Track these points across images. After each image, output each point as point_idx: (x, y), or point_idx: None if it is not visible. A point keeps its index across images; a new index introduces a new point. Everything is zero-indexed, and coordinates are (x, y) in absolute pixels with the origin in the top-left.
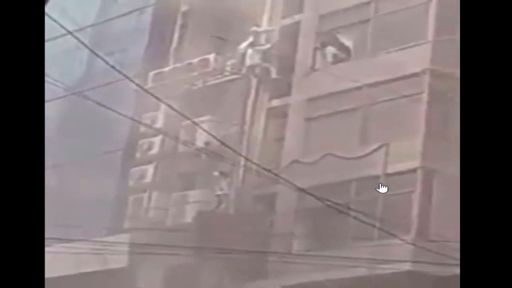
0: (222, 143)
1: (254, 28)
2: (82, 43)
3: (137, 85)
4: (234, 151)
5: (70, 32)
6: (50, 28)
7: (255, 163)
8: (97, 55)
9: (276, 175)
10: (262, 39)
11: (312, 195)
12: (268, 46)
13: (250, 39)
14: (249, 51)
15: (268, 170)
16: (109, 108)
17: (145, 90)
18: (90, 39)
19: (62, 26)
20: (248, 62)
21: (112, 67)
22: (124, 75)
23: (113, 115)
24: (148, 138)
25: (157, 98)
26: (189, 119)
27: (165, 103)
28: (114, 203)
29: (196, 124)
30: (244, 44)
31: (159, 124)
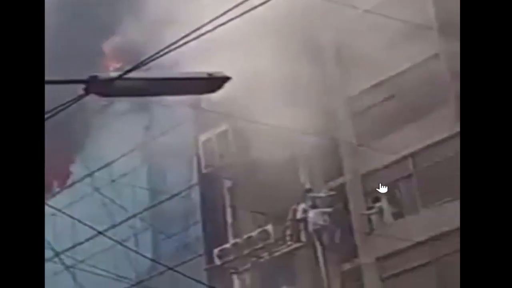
0: None
1: (313, 194)
2: None
3: None
4: None
5: None
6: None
7: None
8: None
9: None
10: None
11: None
12: (330, 209)
13: (305, 204)
14: (311, 215)
15: None
16: None
17: None
18: (147, 226)
19: None
20: (311, 227)
21: None
22: None
23: None
24: None
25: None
26: None
27: None
28: None
29: None
30: (300, 211)
31: None
